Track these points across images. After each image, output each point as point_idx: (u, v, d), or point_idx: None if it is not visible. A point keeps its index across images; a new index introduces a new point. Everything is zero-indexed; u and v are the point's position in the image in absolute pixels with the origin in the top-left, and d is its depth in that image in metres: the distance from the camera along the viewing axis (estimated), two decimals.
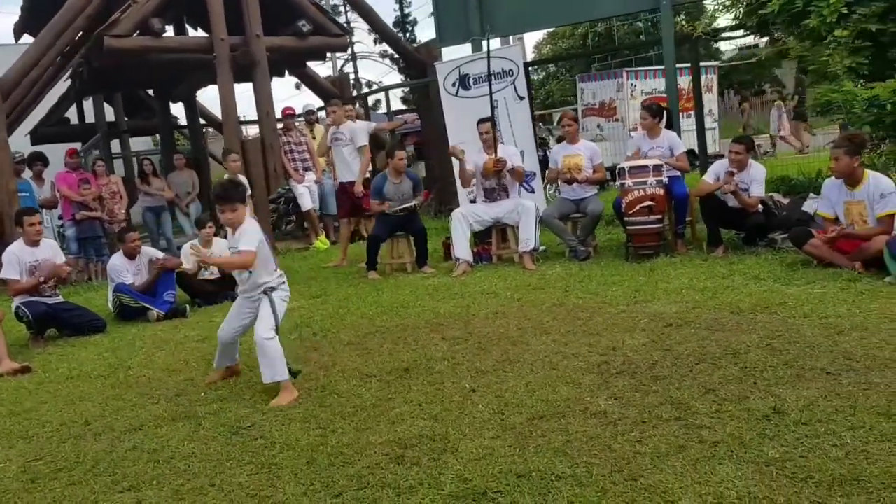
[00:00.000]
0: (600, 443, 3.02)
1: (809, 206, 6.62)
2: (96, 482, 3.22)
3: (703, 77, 13.43)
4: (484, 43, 8.95)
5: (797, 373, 3.51)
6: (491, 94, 7.66)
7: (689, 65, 13.30)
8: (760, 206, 6.60)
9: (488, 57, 7.71)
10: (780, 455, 2.72)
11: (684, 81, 15.28)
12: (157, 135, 23.36)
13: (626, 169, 6.68)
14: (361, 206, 8.58)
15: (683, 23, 29.78)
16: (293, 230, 12.10)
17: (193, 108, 13.73)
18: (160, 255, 7.25)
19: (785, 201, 7.10)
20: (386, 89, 12.11)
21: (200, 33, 12.87)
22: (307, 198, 10.45)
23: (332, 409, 3.77)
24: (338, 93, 13.10)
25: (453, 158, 7.48)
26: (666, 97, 15.75)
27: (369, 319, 5.74)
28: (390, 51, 38.91)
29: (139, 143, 21.89)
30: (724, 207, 6.65)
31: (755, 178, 6.50)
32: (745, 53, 30.70)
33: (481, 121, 7.53)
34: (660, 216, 6.64)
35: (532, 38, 42.69)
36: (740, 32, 9.45)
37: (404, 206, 7.50)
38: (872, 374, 3.38)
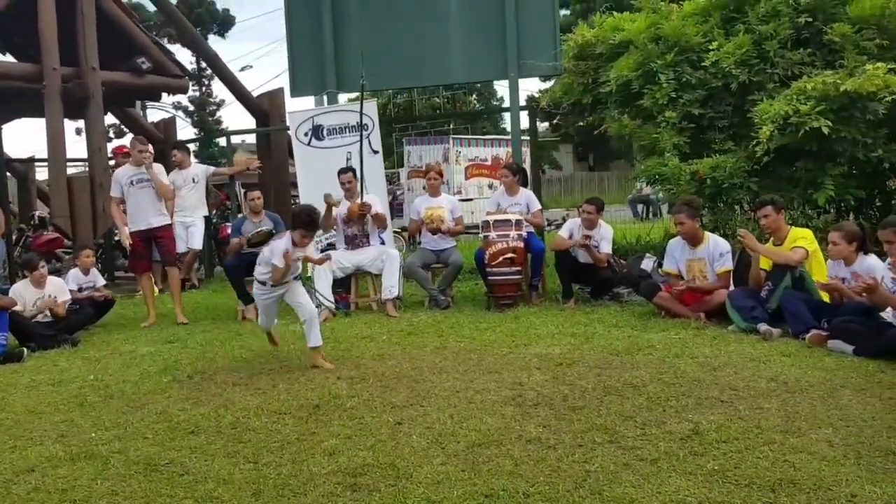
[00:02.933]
0: (548, 465, 3.17)
1: (647, 264, 7.35)
2: None
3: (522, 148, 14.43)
4: (341, 97, 9.14)
5: (696, 401, 3.90)
6: (361, 141, 7.80)
7: (507, 137, 14.33)
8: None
9: (361, 103, 7.88)
10: (718, 467, 3.03)
11: (503, 152, 16.33)
12: None
13: (491, 222, 7.04)
14: (167, 251, 7.92)
15: (474, 99, 32.06)
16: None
17: None
18: None
19: (623, 261, 7.80)
20: (228, 134, 11.80)
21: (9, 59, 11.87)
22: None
23: (254, 445, 3.62)
24: (161, 136, 12.58)
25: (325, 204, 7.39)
26: (488, 165, 16.84)
27: (246, 362, 5.54)
28: (185, 102, 38.07)
29: None
30: (575, 262, 7.19)
31: (604, 236, 7.12)
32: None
33: (342, 171, 7.63)
34: (519, 268, 7.04)
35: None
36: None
37: (259, 230, 7.41)
38: (761, 401, 3.84)
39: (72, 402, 4.61)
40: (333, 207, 7.22)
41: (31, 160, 15.32)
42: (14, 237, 13.60)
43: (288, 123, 9.49)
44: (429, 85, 11.70)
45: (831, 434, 3.33)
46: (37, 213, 12.59)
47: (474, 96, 32.08)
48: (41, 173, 15.80)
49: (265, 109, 11.20)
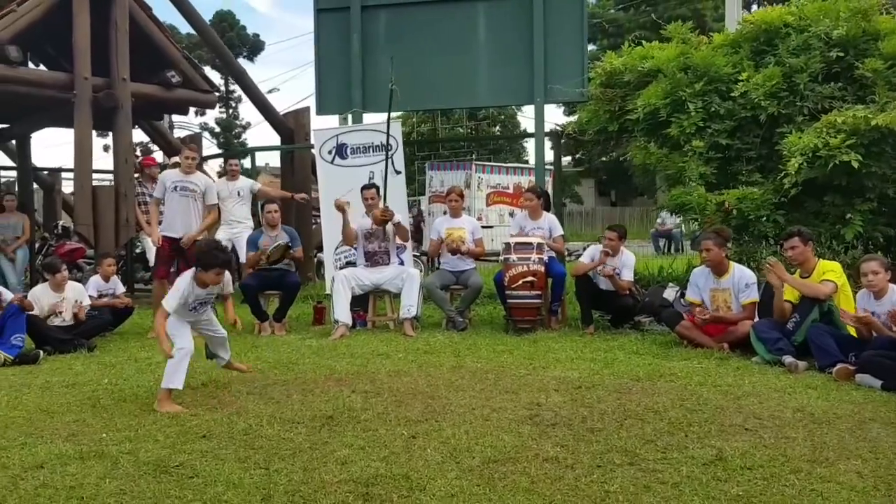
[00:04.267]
0: (566, 484, 3.08)
1: (669, 293, 7.24)
2: None
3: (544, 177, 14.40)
4: (367, 117, 9.15)
5: (720, 428, 3.80)
6: (387, 158, 7.80)
7: (529, 166, 14.36)
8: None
9: (388, 118, 7.88)
10: (743, 493, 2.92)
11: (525, 180, 16.30)
12: None
13: (512, 245, 6.98)
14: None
15: (498, 131, 32.19)
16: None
17: (25, 149, 12.66)
18: (8, 294, 6.54)
19: (644, 290, 7.70)
20: (253, 150, 11.87)
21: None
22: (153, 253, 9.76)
23: (266, 451, 3.55)
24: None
25: (339, 214, 7.36)
26: (510, 193, 16.81)
27: (261, 373, 5.48)
28: (211, 124, 38.68)
29: None
30: (596, 289, 7.10)
31: (626, 263, 7.03)
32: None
33: (366, 187, 7.63)
34: (539, 292, 6.96)
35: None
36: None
37: (276, 245, 7.40)
38: (787, 430, 3.73)
39: (84, 404, 4.57)
40: (351, 220, 7.21)
41: (59, 170, 15.47)
42: (37, 246, 13.73)
43: (312, 141, 9.51)
44: (455, 107, 11.73)
45: (860, 465, 3.21)
46: (61, 222, 12.68)
47: (497, 128, 32.21)
48: (67, 186, 15.96)
49: (290, 127, 11.25)
